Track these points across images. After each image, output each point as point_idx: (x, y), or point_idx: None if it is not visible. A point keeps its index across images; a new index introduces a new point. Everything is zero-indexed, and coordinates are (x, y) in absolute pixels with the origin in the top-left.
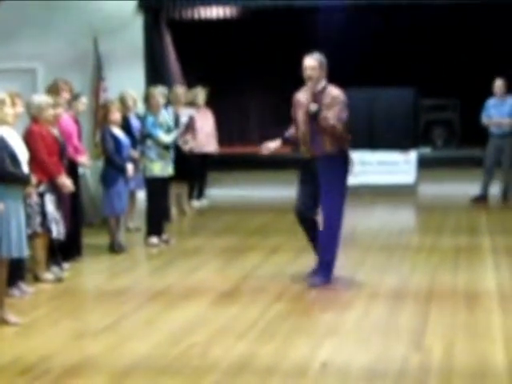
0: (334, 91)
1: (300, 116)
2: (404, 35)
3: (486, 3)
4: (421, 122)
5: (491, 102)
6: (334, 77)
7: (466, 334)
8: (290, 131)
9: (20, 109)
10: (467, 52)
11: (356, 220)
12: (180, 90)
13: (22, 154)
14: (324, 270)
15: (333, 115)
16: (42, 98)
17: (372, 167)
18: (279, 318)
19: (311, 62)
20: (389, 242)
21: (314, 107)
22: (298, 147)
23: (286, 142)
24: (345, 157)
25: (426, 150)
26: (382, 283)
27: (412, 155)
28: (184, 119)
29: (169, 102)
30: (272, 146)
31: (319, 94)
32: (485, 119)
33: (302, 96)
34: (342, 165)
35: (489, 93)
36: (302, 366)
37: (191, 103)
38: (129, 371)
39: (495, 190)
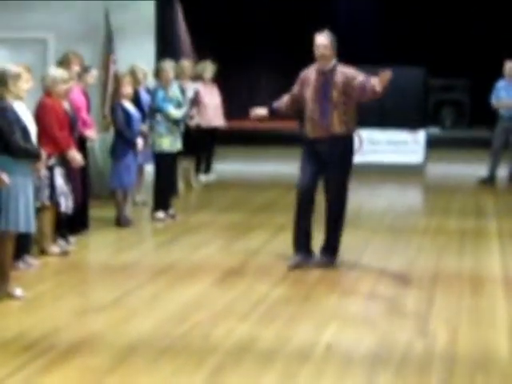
0: (347, 69)
1: (308, 94)
2: (415, 14)
3: None
4: (430, 101)
5: (501, 84)
6: (344, 54)
7: (470, 319)
8: (279, 103)
9: (30, 84)
10: (478, 33)
11: (363, 200)
12: (186, 63)
13: (32, 127)
14: (330, 251)
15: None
16: (57, 72)
17: (381, 146)
18: (283, 299)
19: (324, 40)
20: (395, 223)
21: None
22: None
23: (272, 112)
24: (351, 138)
25: (435, 130)
26: (387, 266)
27: (421, 135)
28: (190, 93)
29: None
30: (260, 112)
31: (329, 73)
32: (494, 101)
33: (310, 74)
34: (349, 146)
35: (499, 74)
36: (305, 350)
37: (197, 77)
38: (131, 349)
39: (503, 172)
